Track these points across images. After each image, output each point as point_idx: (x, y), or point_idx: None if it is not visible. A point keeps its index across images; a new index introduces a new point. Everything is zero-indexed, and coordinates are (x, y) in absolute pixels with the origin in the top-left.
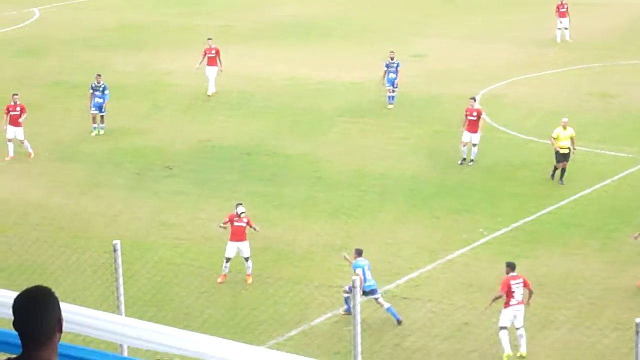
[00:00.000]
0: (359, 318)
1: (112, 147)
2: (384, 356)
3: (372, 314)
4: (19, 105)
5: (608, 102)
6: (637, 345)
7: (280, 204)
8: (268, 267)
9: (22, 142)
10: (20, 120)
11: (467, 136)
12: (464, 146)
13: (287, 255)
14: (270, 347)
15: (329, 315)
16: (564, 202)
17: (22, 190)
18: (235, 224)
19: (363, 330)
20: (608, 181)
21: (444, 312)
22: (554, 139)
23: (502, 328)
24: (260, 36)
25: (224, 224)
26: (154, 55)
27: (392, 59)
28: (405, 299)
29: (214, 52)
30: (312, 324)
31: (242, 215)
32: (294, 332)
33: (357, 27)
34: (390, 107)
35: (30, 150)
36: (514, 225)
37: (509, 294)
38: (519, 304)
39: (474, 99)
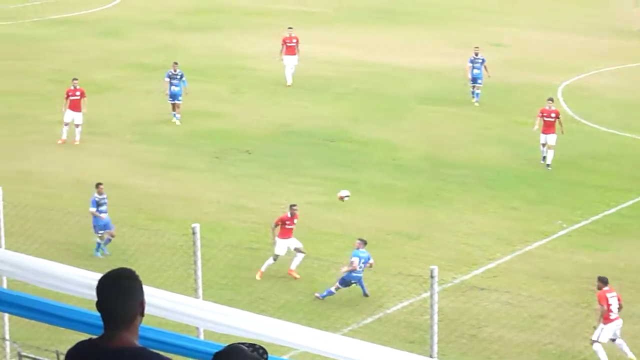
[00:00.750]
0: (436, 307)
1: (191, 129)
2: (460, 346)
3: (449, 304)
4: (79, 90)
5: None
6: None
7: (357, 190)
8: (344, 253)
9: (76, 126)
10: (81, 105)
11: (542, 138)
12: (543, 146)
13: None
14: (344, 334)
15: (405, 303)
16: None
17: (102, 170)
18: (287, 226)
19: (439, 320)
20: None
21: (521, 303)
22: None
23: (597, 341)
24: (339, 20)
25: (275, 225)
26: (233, 39)
27: (477, 54)
28: (482, 289)
29: (294, 41)
30: (388, 312)
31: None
32: (369, 320)
33: (438, 12)
34: (476, 103)
35: (78, 138)
36: (594, 218)
37: (608, 308)
38: (617, 318)
39: (552, 100)
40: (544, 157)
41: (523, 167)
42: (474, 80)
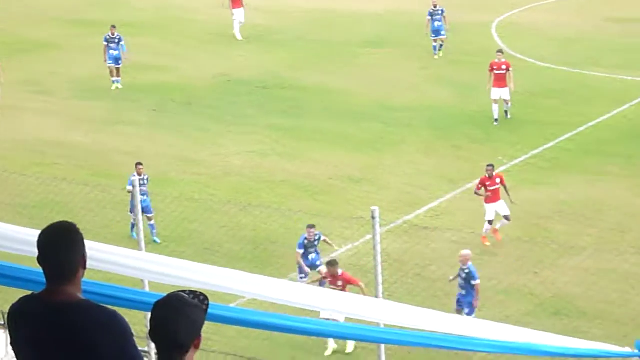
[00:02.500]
0: (379, 248)
1: (130, 83)
2: (406, 286)
3: (394, 245)
4: None
5: (625, 26)
6: None
7: (298, 136)
8: (287, 200)
9: None
10: None
11: (495, 93)
12: (495, 103)
13: (306, 187)
14: (291, 280)
15: (349, 246)
16: (582, 128)
17: (39, 128)
18: (489, 187)
19: (383, 261)
20: (626, 106)
21: (464, 240)
22: None
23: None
24: None
25: (477, 189)
26: None
27: (435, 6)
28: (425, 228)
29: None
30: (333, 255)
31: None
32: None
33: None
34: (436, 57)
35: None
36: (533, 152)
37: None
38: None
39: (501, 52)
40: (496, 119)
41: (463, 106)
42: (436, 33)
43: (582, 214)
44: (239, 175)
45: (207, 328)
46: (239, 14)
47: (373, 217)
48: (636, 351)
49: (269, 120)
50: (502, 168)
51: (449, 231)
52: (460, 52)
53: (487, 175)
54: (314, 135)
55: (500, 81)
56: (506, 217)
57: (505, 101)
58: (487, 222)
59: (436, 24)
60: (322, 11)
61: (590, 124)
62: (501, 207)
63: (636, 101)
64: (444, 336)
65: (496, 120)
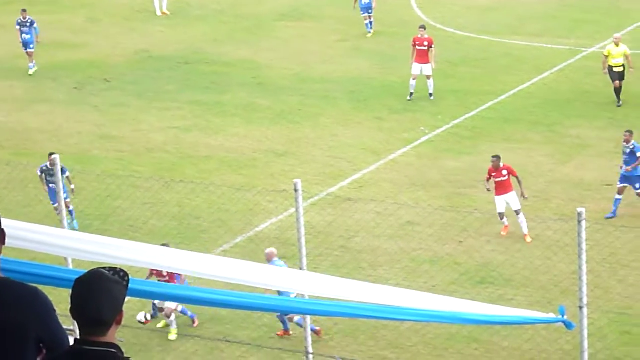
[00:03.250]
0: (302, 220)
1: (48, 61)
2: (331, 258)
3: (317, 217)
4: None
5: None
6: (579, 235)
7: (221, 112)
8: (211, 175)
9: None
10: None
11: (416, 68)
12: (413, 79)
13: (229, 162)
14: (216, 255)
15: (274, 220)
16: (503, 97)
17: None
18: (496, 179)
19: (308, 234)
20: (546, 74)
21: (387, 211)
22: (605, 56)
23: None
24: None
25: (487, 181)
26: None
27: None
28: (348, 200)
29: None
30: (257, 229)
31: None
32: (239, 239)
33: None
34: (369, 35)
35: None
36: (455, 122)
37: None
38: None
39: (424, 27)
40: (411, 94)
41: (383, 77)
42: (364, 10)
43: None
44: (161, 152)
45: (132, 304)
46: None
47: (296, 190)
48: (560, 316)
49: (191, 95)
50: (424, 138)
51: (372, 202)
52: (380, 23)
53: (493, 167)
54: (235, 110)
55: (422, 57)
56: (517, 212)
57: (427, 77)
58: (499, 215)
59: (364, 1)
60: None
61: (511, 92)
62: (512, 199)
63: (556, 69)
64: (370, 306)
65: (411, 94)
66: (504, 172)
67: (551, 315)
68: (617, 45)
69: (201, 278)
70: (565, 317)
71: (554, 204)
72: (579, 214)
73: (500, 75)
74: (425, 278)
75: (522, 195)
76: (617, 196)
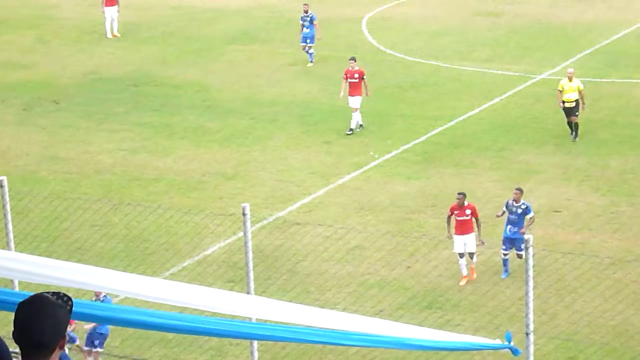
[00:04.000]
0: (249, 244)
1: None
2: (279, 282)
3: (263, 240)
4: None
5: (493, 20)
6: (526, 261)
7: (170, 134)
8: (160, 198)
9: None
10: None
11: (349, 100)
12: (354, 112)
13: (178, 184)
14: (164, 278)
15: (222, 243)
16: (453, 122)
17: None
18: (458, 217)
19: (256, 257)
20: (496, 99)
21: (336, 235)
22: (559, 91)
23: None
24: None
25: (448, 216)
26: None
27: (306, 12)
28: (297, 224)
29: None
30: (206, 252)
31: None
32: (187, 262)
33: None
34: (310, 65)
35: None
36: (404, 147)
37: None
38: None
39: (354, 59)
40: (351, 129)
41: (332, 102)
42: (304, 39)
43: None
44: (110, 173)
45: (79, 327)
46: (110, 12)
47: (244, 214)
48: (506, 342)
49: (140, 117)
50: (373, 163)
51: (320, 226)
52: (330, 47)
53: (457, 204)
54: (184, 132)
55: (353, 89)
56: (470, 255)
57: (354, 109)
58: (457, 255)
59: (305, 30)
60: (190, 7)
61: (461, 117)
62: (470, 241)
63: (505, 95)
64: (317, 331)
65: (351, 130)
66: (467, 212)
67: (498, 342)
68: (570, 80)
69: (148, 301)
70: (512, 343)
71: (502, 230)
72: (526, 241)
73: (450, 100)
74: (373, 302)
75: (479, 239)
76: (505, 257)
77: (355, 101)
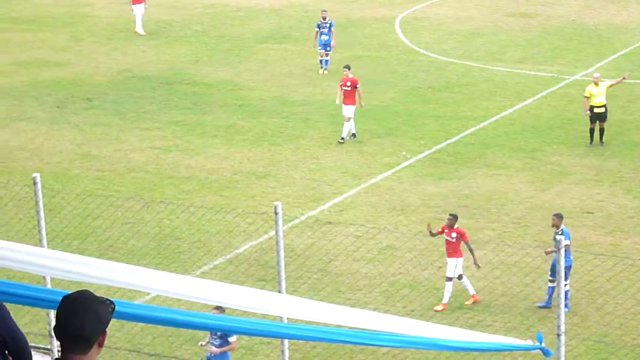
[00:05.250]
0: (281, 243)
1: (31, 79)
2: (310, 281)
3: (297, 240)
4: None
5: (526, 21)
6: (558, 262)
7: (202, 132)
8: (192, 196)
9: None
10: None
11: (344, 109)
12: (347, 121)
13: (210, 183)
14: (196, 276)
15: (254, 242)
16: (485, 123)
17: None
18: (447, 238)
19: (287, 256)
20: (529, 100)
21: (367, 235)
22: (586, 97)
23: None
24: None
25: (437, 232)
26: None
27: (324, 19)
28: (329, 223)
29: None
30: (237, 251)
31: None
32: (219, 260)
33: None
34: (323, 72)
35: None
36: (436, 147)
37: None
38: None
39: (347, 67)
40: (354, 134)
41: (365, 101)
42: (323, 46)
43: (485, 208)
44: (142, 172)
45: (111, 324)
46: (139, 10)
47: (276, 213)
48: (537, 344)
49: (172, 116)
50: (405, 163)
51: (352, 226)
52: (363, 47)
53: (447, 225)
54: (217, 131)
55: (346, 98)
56: (459, 276)
57: (347, 118)
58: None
59: (323, 37)
60: (223, 6)
61: (493, 118)
62: (459, 264)
63: (538, 96)
64: (348, 331)
65: (342, 139)
66: (453, 235)
67: (529, 342)
68: (596, 84)
69: (179, 299)
70: (543, 344)
71: (534, 231)
72: (558, 242)
73: (482, 101)
74: (404, 302)
75: (475, 263)
76: (550, 284)
77: (348, 110)
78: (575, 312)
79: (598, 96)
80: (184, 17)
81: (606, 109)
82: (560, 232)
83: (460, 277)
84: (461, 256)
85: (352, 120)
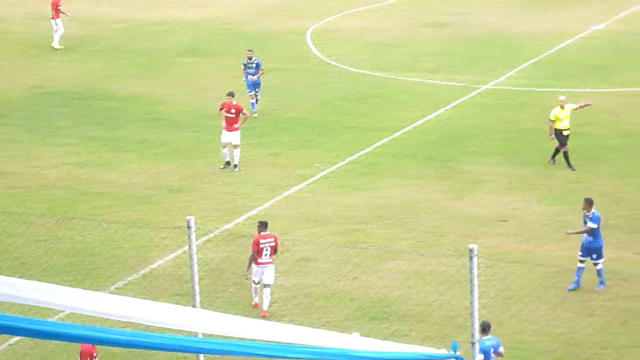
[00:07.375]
0: (195, 257)
1: None
2: (226, 295)
3: (209, 253)
4: None
5: (438, 32)
6: (471, 270)
7: (115, 147)
8: (105, 212)
9: None
10: None
11: (226, 136)
12: (224, 147)
13: (124, 198)
14: (110, 292)
15: (168, 257)
16: (398, 133)
17: None
18: (260, 245)
19: (202, 270)
20: (441, 110)
21: (282, 247)
22: (552, 120)
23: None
24: None
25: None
26: None
27: (250, 59)
28: (243, 236)
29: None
30: (152, 266)
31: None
32: (133, 276)
33: None
34: (255, 115)
35: None
36: (350, 158)
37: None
38: (268, 263)
39: (232, 94)
40: (227, 162)
41: (278, 113)
42: (250, 87)
43: (400, 218)
44: (55, 188)
45: (25, 343)
46: (60, 24)
47: (188, 227)
48: (452, 352)
49: (85, 131)
50: (319, 175)
51: None
52: (276, 60)
53: (258, 232)
54: (130, 145)
55: (230, 124)
56: (265, 285)
57: (235, 146)
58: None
59: (250, 77)
60: (135, 21)
61: (406, 128)
62: (268, 272)
63: (450, 105)
64: (263, 344)
65: (227, 163)
66: (270, 240)
67: (443, 351)
68: (562, 108)
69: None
70: (458, 352)
71: (448, 240)
72: (471, 250)
73: (395, 111)
74: (319, 314)
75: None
76: (580, 264)
77: (235, 137)
78: (490, 320)
79: (564, 120)
80: (96, 32)
81: (569, 132)
82: (589, 216)
83: (265, 286)
84: (272, 263)
85: (239, 149)
